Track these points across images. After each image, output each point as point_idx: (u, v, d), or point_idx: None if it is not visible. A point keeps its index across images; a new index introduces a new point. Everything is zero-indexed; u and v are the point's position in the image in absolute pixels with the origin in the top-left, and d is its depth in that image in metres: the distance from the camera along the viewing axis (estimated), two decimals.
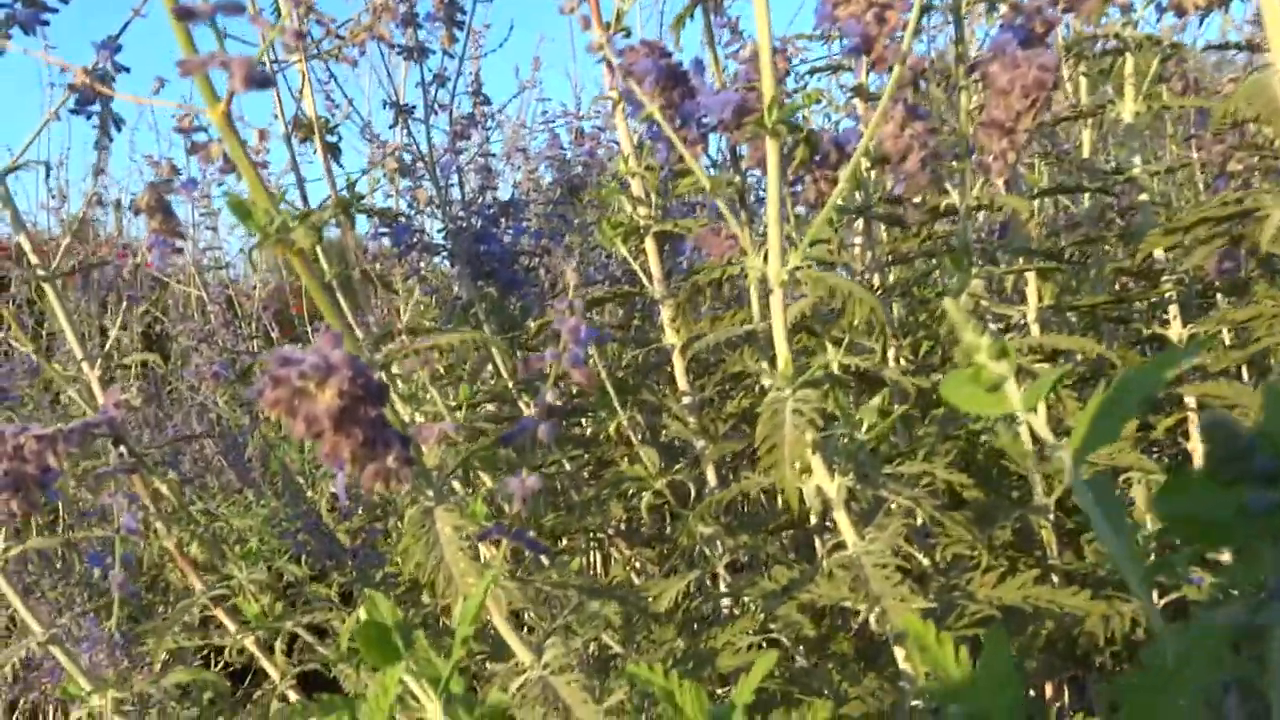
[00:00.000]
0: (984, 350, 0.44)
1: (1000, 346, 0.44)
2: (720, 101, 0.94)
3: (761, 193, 1.62)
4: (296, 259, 0.59)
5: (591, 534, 1.60)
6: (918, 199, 1.57)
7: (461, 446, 1.08)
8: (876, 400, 0.72)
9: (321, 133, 1.42)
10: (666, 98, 0.97)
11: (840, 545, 0.77)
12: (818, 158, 1.01)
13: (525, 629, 0.97)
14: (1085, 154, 1.51)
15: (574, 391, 1.83)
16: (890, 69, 0.85)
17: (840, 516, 0.72)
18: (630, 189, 1.28)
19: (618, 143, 2.99)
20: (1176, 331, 1.23)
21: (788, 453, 0.63)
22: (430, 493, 0.65)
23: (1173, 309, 1.23)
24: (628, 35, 1.26)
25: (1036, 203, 1.41)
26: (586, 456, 1.65)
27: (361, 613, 0.57)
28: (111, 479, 0.85)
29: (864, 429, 0.71)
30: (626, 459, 1.47)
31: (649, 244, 1.27)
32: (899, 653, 0.75)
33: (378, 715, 0.45)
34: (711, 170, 1.29)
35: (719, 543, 1.09)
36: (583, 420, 1.86)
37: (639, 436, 1.22)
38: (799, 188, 1.09)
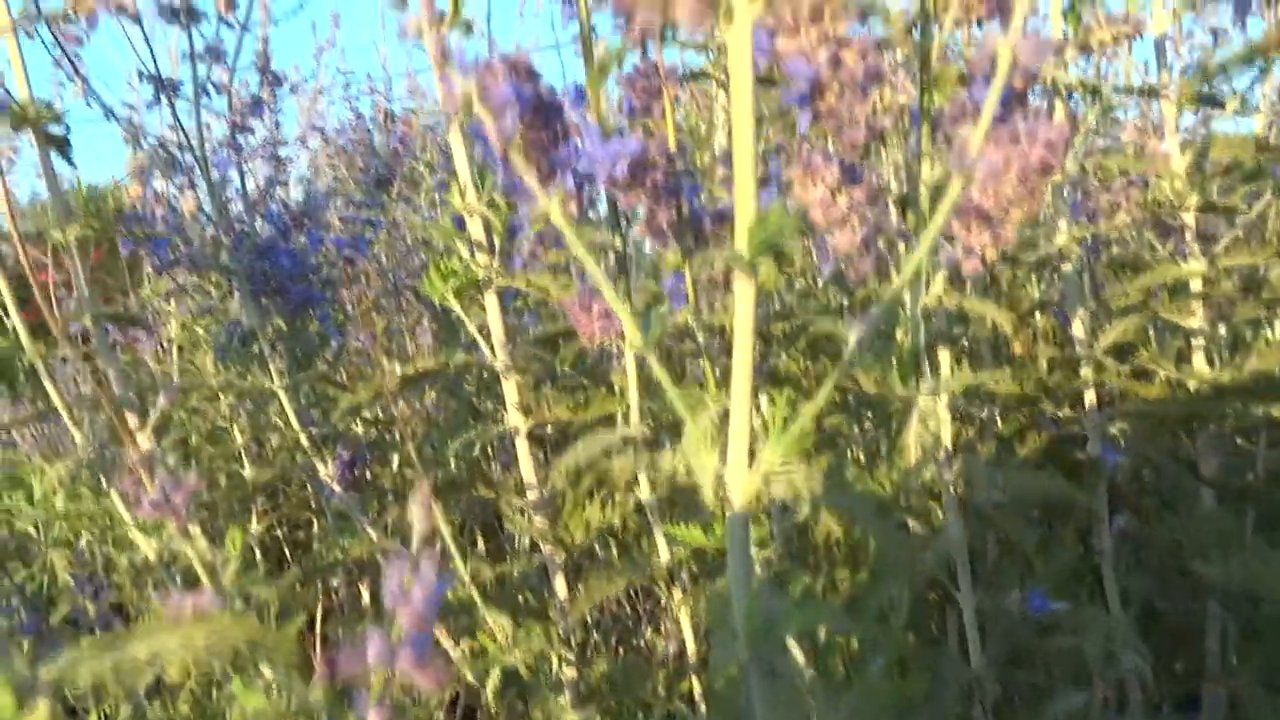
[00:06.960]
0: None
1: None
2: (612, 153, 0.68)
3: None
4: None
5: None
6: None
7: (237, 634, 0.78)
8: None
9: (37, 121, 1.04)
10: (533, 137, 0.70)
11: None
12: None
13: None
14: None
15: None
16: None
17: None
18: (467, 229, 0.99)
19: (432, 129, 2.63)
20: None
21: None
22: None
23: (1089, 395, 1.09)
24: (468, 31, 0.98)
25: None
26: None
27: None
28: None
29: None
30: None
31: (490, 301, 1.00)
32: None
33: None
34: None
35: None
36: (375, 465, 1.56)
37: (481, 590, 0.95)
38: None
